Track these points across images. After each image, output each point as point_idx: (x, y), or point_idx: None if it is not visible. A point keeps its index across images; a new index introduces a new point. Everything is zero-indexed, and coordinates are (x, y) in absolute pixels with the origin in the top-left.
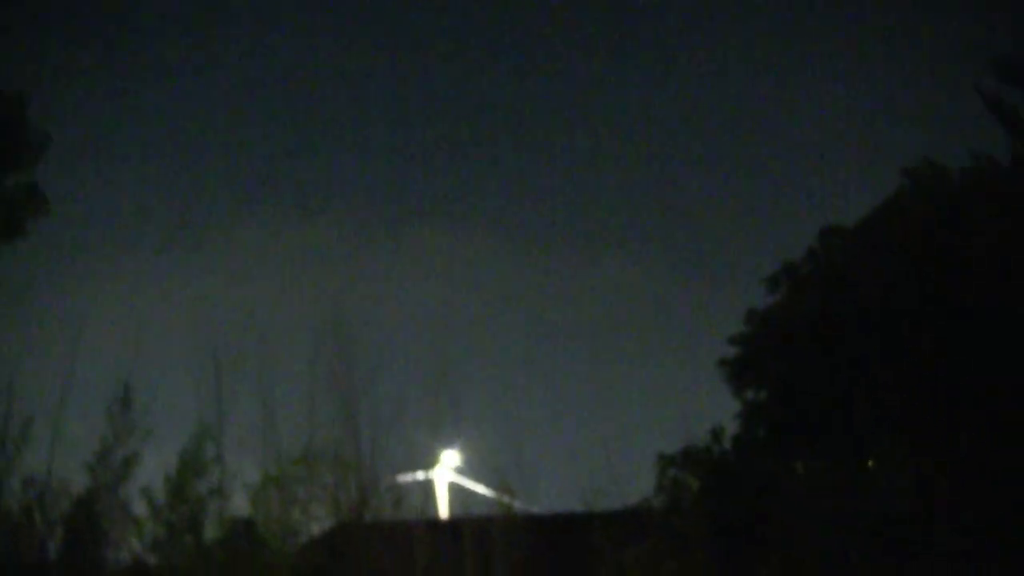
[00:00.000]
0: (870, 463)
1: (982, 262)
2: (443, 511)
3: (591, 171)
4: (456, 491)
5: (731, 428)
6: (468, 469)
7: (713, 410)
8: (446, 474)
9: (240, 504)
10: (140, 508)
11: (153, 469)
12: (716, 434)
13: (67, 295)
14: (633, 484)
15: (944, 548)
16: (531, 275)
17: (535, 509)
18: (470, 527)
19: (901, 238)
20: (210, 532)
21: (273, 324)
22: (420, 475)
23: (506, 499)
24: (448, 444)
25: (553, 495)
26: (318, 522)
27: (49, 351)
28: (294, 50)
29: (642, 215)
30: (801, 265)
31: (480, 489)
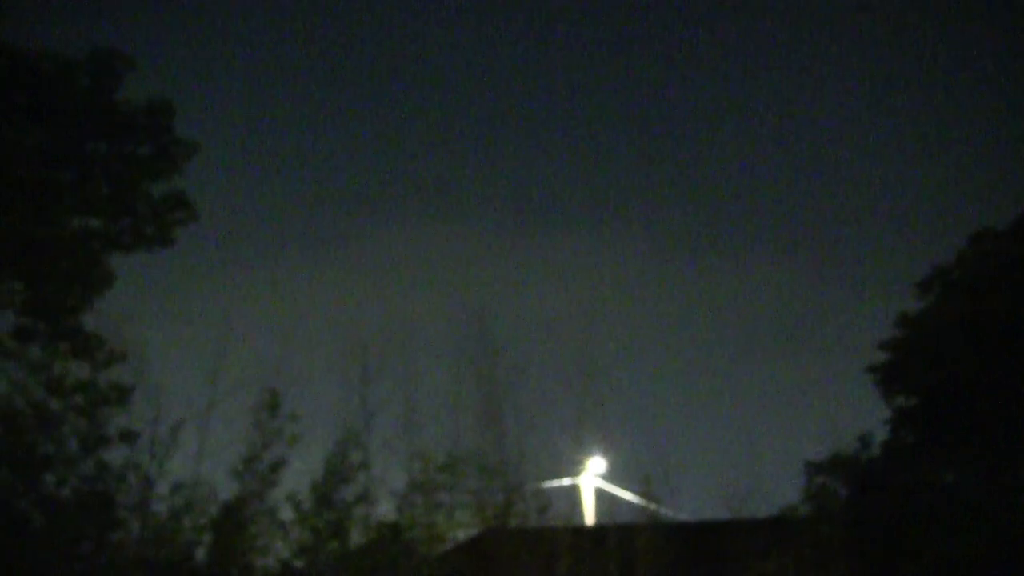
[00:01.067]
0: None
1: None
2: (588, 518)
3: (739, 174)
4: (601, 497)
5: (879, 435)
6: (613, 475)
7: (861, 417)
8: (592, 480)
9: (386, 509)
10: (287, 513)
11: (299, 475)
12: (865, 441)
13: (215, 299)
14: (778, 491)
15: None
16: (676, 279)
17: (680, 516)
18: (614, 534)
19: None
20: (356, 537)
21: (418, 327)
22: (566, 481)
23: (651, 505)
24: (593, 450)
25: (698, 502)
26: (463, 528)
27: (197, 355)
28: (443, 52)
29: (792, 218)
30: (953, 269)
31: (625, 495)
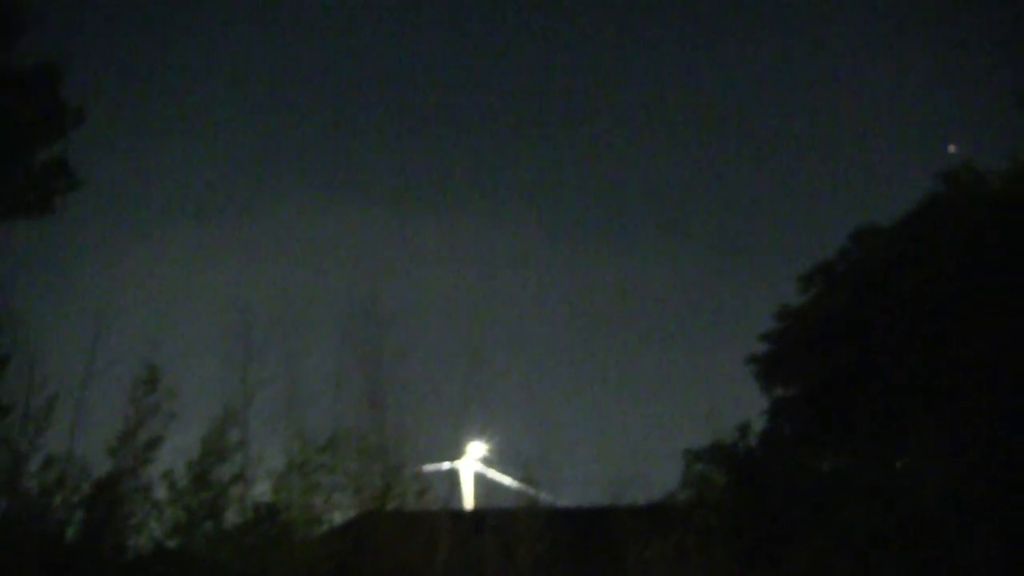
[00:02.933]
0: (898, 464)
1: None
2: (468, 502)
3: (633, 164)
4: (481, 482)
5: (758, 424)
6: (494, 460)
7: (741, 406)
8: (472, 464)
9: (263, 490)
10: (161, 492)
11: (176, 452)
12: (743, 430)
13: (96, 271)
14: (659, 478)
15: (975, 553)
16: (566, 266)
17: (560, 501)
18: (494, 518)
19: (941, 240)
20: (232, 517)
21: (304, 306)
22: (445, 465)
23: (531, 491)
24: (475, 434)
25: (579, 488)
26: (341, 510)
27: (75, 328)
28: (346, 30)
29: (679, 209)
30: (835, 264)
31: (506, 480)
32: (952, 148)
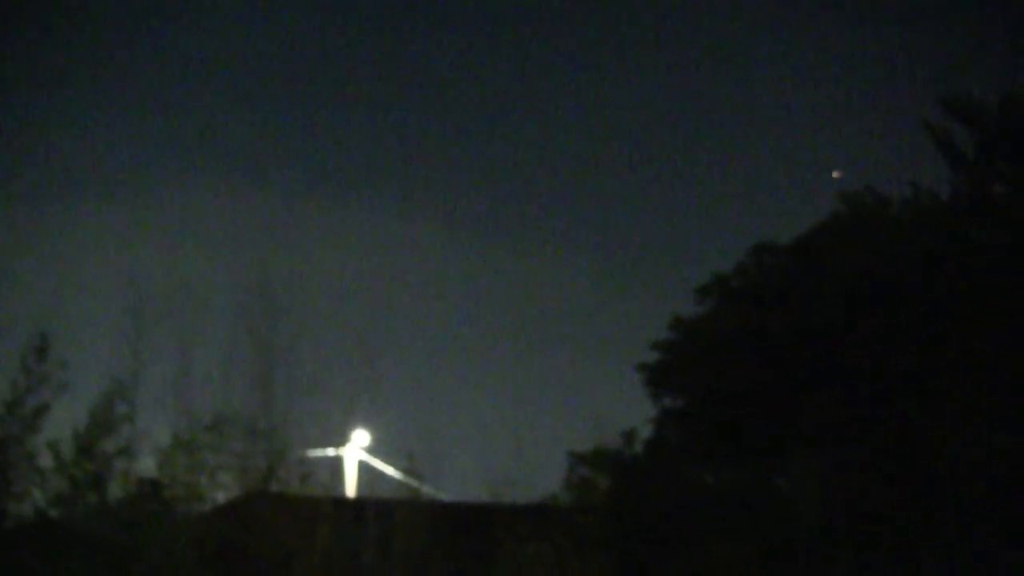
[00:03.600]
0: (782, 482)
1: (916, 290)
2: (350, 489)
3: (536, 169)
4: (364, 470)
5: (644, 432)
6: (378, 450)
7: (626, 413)
8: (356, 452)
9: (148, 465)
10: (46, 461)
11: (63, 422)
12: (629, 437)
13: None
14: (541, 480)
15: (845, 569)
16: (462, 263)
17: (442, 495)
18: (375, 508)
19: (838, 260)
20: (115, 491)
21: (198, 287)
22: (330, 451)
23: (413, 483)
24: (360, 423)
25: (461, 483)
26: (225, 490)
27: None
28: (256, 20)
29: (578, 214)
30: (732, 278)
31: (388, 471)
32: (837, 174)
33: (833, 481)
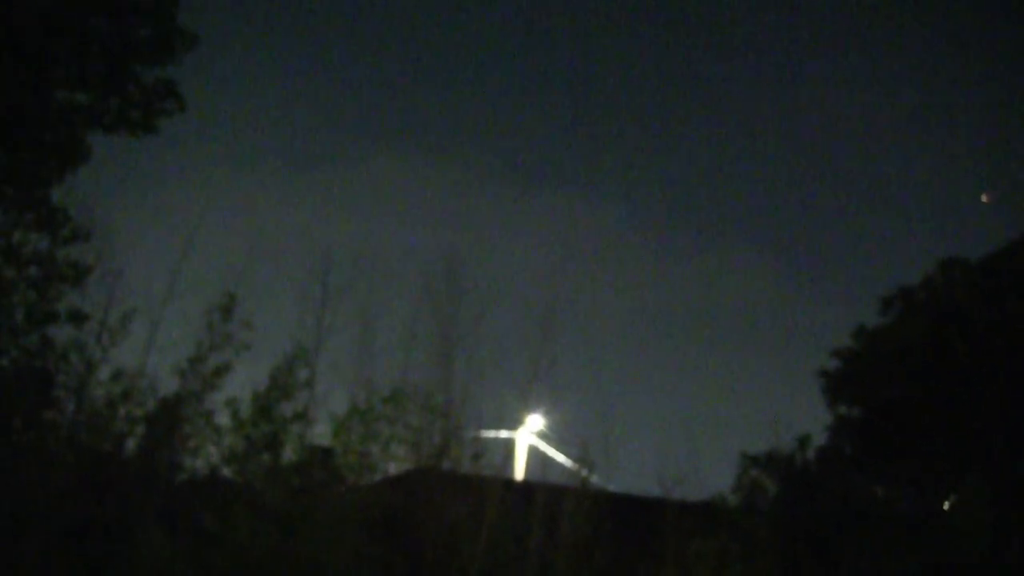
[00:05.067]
0: (947, 503)
1: None
2: (520, 473)
3: (728, 167)
4: (536, 455)
5: (817, 439)
6: (551, 435)
7: (801, 418)
8: (529, 437)
9: (323, 431)
10: (223, 419)
11: (243, 382)
12: (803, 442)
13: (187, 195)
14: (711, 478)
15: None
16: (650, 254)
17: (610, 486)
18: (544, 493)
19: None
20: (289, 455)
21: (386, 258)
22: (503, 433)
23: (584, 471)
24: (536, 407)
25: (631, 475)
26: (396, 462)
27: (161, 248)
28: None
29: (768, 217)
30: (918, 291)
31: (559, 457)
32: (986, 198)
33: (1004, 508)
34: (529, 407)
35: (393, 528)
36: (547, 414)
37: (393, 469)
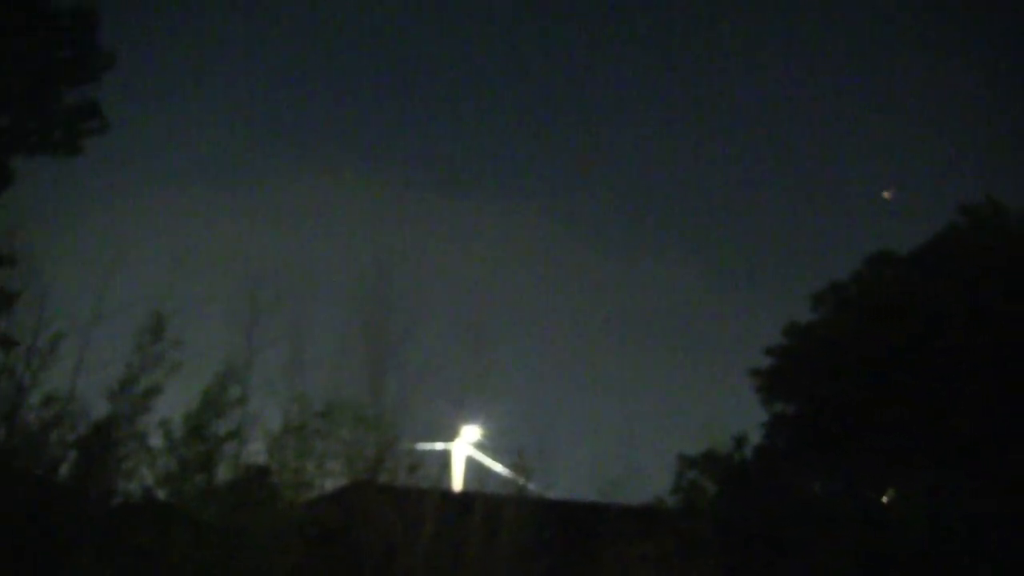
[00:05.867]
0: (885, 497)
1: None
2: (457, 484)
3: (656, 172)
4: (472, 466)
5: (755, 437)
6: (487, 445)
7: (737, 418)
8: (464, 447)
9: (257, 449)
10: (156, 440)
11: (175, 403)
12: (739, 441)
13: (111, 217)
14: (649, 482)
15: None
16: (580, 263)
17: (549, 493)
18: (482, 503)
19: (957, 273)
20: (223, 473)
21: (314, 276)
22: (439, 445)
23: (521, 480)
24: (470, 418)
25: (569, 481)
26: (332, 477)
27: (87, 270)
28: (374, 14)
29: (697, 218)
30: (848, 286)
31: (497, 467)
32: (888, 195)
33: (942, 501)
34: (464, 417)
35: (331, 543)
36: (483, 424)
37: (329, 485)
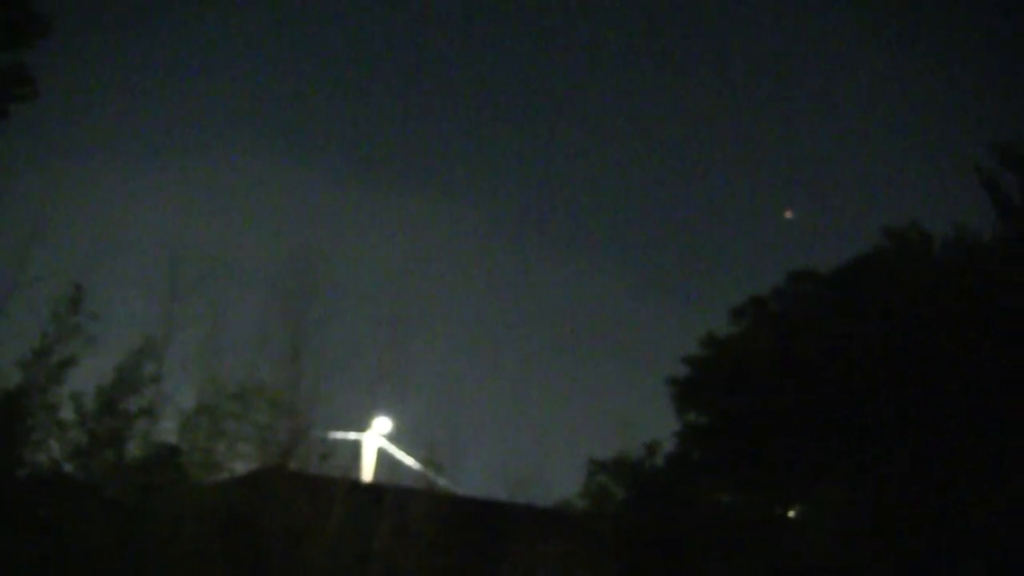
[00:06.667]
0: (791, 512)
1: (955, 330)
2: (367, 474)
3: (585, 175)
4: (383, 457)
5: (667, 445)
6: (399, 438)
7: (650, 424)
8: (376, 439)
9: (168, 428)
10: (68, 414)
11: (88, 376)
12: (651, 448)
13: (33, 184)
14: (558, 483)
15: None
16: (501, 260)
17: (457, 489)
18: (391, 495)
19: (878, 294)
20: (133, 451)
21: (238, 256)
22: (351, 435)
23: (431, 474)
24: (383, 409)
25: (478, 478)
26: (243, 460)
27: (7, 238)
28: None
29: (622, 227)
30: (769, 301)
31: (407, 459)
32: (789, 214)
33: (848, 515)
34: (377, 409)
35: (239, 526)
36: (396, 417)
37: (240, 468)
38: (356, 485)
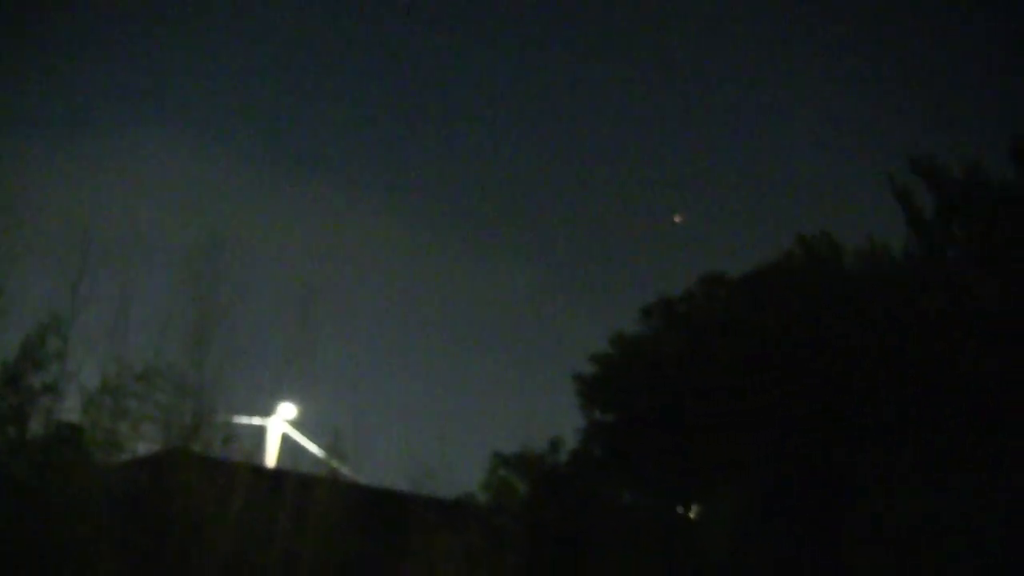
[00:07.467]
0: (691, 514)
1: (862, 339)
2: (270, 460)
3: (496, 172)
4: (286, 443)
5: (570, 442)
6: (303, 425)
7: (555, 421)
8: (280, 424)
9: (71, 406)
10: None
11: None
12: (555, 444)
13: None
14: (461, 476)
15: None
16: (411, 251)
17: (360, 478)
18: (293, 481)
19: (787, 301)
20: (35, 428)
21: (146, 236)
22: (255, 420)
23: (334, 462)
24: (288, 395)
25: (381, 468)
26: (146, 442)
27: None
28: None
29: (532, 224)
30: (678, 303)
31: (310, 446)
32: (678, 219)
33: (746, 520)
34: (282, 395)
35: (139, 508)
36: (300, 403)
37: (142, 449)
38: (259, 470)
